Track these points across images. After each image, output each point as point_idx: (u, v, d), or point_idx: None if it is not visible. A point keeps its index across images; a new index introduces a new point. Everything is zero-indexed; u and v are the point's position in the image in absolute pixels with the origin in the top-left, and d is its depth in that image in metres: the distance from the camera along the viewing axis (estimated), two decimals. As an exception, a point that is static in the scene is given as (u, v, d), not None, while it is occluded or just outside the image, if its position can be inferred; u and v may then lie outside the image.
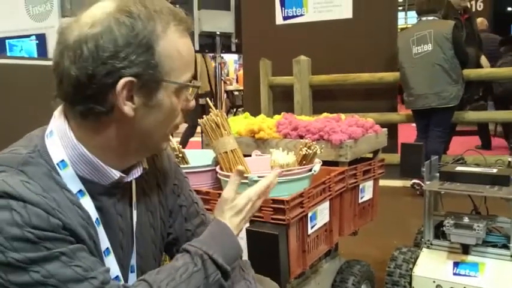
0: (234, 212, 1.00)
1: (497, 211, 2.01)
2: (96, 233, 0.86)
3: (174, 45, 0.84)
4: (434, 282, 1.90)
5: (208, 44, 5.02)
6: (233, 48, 5.18)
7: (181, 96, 0.89)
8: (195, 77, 1.00)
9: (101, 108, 0.82)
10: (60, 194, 0.81)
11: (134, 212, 0.96)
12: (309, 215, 1.56)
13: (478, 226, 1.83)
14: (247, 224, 1.49)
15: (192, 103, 0.93)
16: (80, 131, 0.86)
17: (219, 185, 1.69)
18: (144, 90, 0.83)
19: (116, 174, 0.88)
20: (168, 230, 1.07)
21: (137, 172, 0.94)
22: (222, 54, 5.21)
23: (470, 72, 4.34)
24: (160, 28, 0.82)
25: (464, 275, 1.86)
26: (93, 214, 0.86)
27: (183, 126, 6.03)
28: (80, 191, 0.85)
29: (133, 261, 0.95)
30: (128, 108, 0.82)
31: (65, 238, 0.78)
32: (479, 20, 6.16)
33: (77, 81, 0.80)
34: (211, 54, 5.90)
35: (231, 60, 13.74)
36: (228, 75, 13.08)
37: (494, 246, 1.92)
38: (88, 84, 0.80)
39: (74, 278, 0.77)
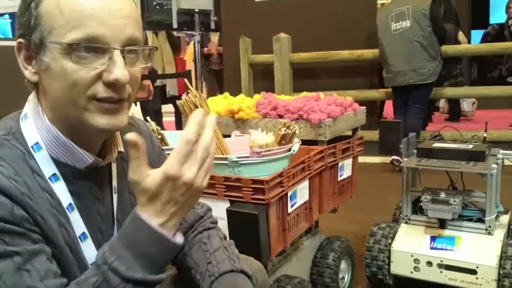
0: (146, 196, 0.76)
1: (473, 186, 2.06)
2: (68, 220, 0.85)
3: (57, 3, 0.78)
4: (412, 256, 1.95)
5: (187, 21, 4.94)
6: (212, 26, 5.10)
7: (77, 61, 0.78)
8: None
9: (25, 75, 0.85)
10: (32, 179, 0.81)
11: (115, 196, 0.95)
12: (289, 194, 1.57)
13: (454, 201, 1.87)
14: (228, 204, 1.50)
15: (112, 74, 0.79)
16: (42, 106, 0.87)
17: (199, 166, 1.68)
18: (33, 52, 0.82)
19: (90, 157, 0.87)
20: None
21: (112, 156, 0.92)
22: (200, 32, 5.13)
23: (448, 49, 4.38)
24: None
25: (441, 249, 1.91)
26: (66, 199, 0.85)
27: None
28: (54, 174, 0.84)
29: None
30: (28, 72, 0.84)
31: (25, 233, 0.76)
32: None
33: None
34: (189, 32, 5.80)
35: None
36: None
37: (470, 220, 1.97)
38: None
39: (17, 283, 0.74)
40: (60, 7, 0.78)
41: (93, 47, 0.78)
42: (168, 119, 5.70)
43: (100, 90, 0.80)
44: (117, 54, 0.80)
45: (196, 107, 1.62)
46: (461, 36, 4.98)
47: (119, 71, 0.80)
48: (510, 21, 6.08)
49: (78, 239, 0.86)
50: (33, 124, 0.85)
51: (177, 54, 6.11)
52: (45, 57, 0.80)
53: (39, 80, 0.84)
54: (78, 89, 0.79)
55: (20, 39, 0.82)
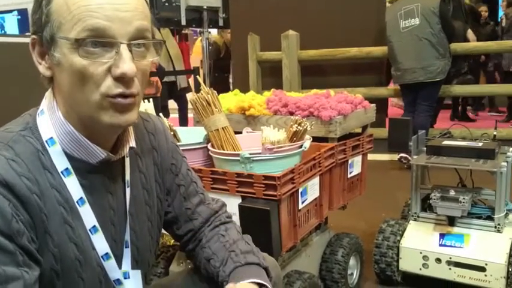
0: None
1: (482, 183, 2.06)
2: (77, 215, 0.87)
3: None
4: (421, 253, 1.96)
5: (195, 18, 4.95)
6: (221, 23, 5.11)
7: (85, 56, 0.79)
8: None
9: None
10: (42, 176, 0.83)
11: (127, 190, 0.97)
12: (300, 190, 1.59)
13: (464, 198, 1.88)
14: (240, 200, 1.52)
15: (119, 68, 0.80)
16: (58, 102, 0.89)
17: (210, 162, 1.70)
18: (45, 48, 0.84)
19: (103, 153, 0.88)
20: (166, 209, 1.09)
21: (123, 151, 0.94)
22: (209, 29, 5.14)
23: (457, 46, 4.37)
24: None
25: (450, 246, 1.92)
26: (78, 193, 0.87)
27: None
28: (67, 169, 0.86)
29: (127, 236, 0.96)
30: (42, 67, 0.86)
31: (14, 253, 0.77)
32: None
33: None
34: (197, 30, 5.82)
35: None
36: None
37: (479, 217, 1.98)
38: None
39: None
40: (67, 3, 0.79)
41: (100, 41, 0.79)
42: (172, 115, 5.74)
43: (111, 86, 0.81)
44: (124, 48, 0.80)
45: (208, 103, 1.64)
46: (470, 34, 4.96)
47: (126, 65, 0.80)
48: (502, 16, 6.10)
49: (89, 232, 0.88)
50: (49, 119, 0.87)
51: (181, 40, 6.13)
52: (56, 53, 0.81)
53: (53, 75, 0.86)
54: (90, 85, 0.80)
55: (33, 36, 0.85)
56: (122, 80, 0.81)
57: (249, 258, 1.02)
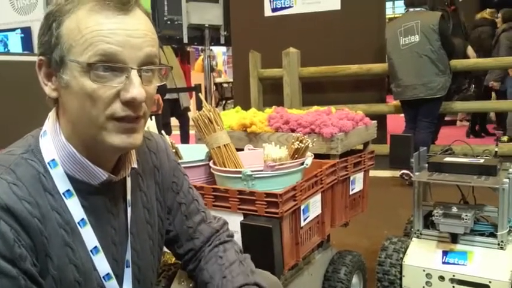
0: None
1: (484, 200, 2.05)
2: (78, 236, 0.87)
3: (77, 23, 0.80)
4: (424, 271, 1.94)
5: (197, 36, 5.00)
6: (222, 40, 5.16)
7: (96, 79, 0.80)
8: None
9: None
10: (43, 199, 0.83)
11: (129, 209, 0.97)
12: (302, 207, 1.58)
13: (466, 215, 1.87)
14: (241, 218, 1.52)
15: (129, 93, 0.81)
16: (61, 123, 0.89)
17: (212, 180, 1.70)
18: (53, 69, 0.84)
19: (104, 174, 0.88)
20: (167, 227, 1.09)
21: (125, 172, 0.94)
22: (210, 47, 5.19)
23: (457, 63, 4.39)
24: (69, 10, 0.82)
25: (453, 264, 1.90)
26: (79, 215, 0.87)
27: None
28: (68, 191, 0.86)
29: (128, 256, 0.96)
30: (48, 89, 0.86)
31: (16, 278, 0.77)
32: None
33: None
34: (199, 47, 5.86)
35: (219, 52, 13.69)
36: (216, 66, 13.03)
37: (482, 234, 1.96)
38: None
39: None
40: (80, 27, 0.80)
41: (111, 66, 0.80)
42: (174, 132, 5.75)
43: (118, 109, 0.82)
44: (134, 74, 0.82)
45: (210, 121, 1.65)
46: (470, 50, 5.00)
47: (136, 89, 0.81)
48: (498, 30, 6.17)
49: (90, 253, 0.88)
50: (51, 141, 0.88)
51: (184, 62, 6.17)
52: (65, 75, 0.82)
53: (59, 97, 0.86)
54: (98, 107, 0.81)
55: (41, 57, 0.85)
56: (131, 104, 0.82)
57: (237, 281, 1.02)
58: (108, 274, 0.91)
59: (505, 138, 6.08)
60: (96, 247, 0.89)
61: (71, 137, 0.87)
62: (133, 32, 0.82)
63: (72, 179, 0.87)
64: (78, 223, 0.87)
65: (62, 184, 0.86)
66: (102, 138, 0.83)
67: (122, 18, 0.81)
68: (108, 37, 0.79)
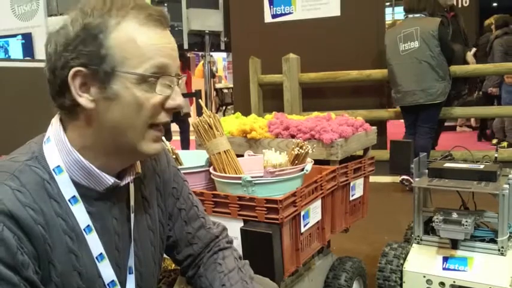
0: None
1: (485, 206, 2.05)
2: (84, 243, 0.87)
3: (128, 35, 0.83)
4: (424, 277, 1.94)
5: (198, 42, 5.02)
6: (222, 46, 5.18)
7: (147, 89, 0.85)
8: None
9: (68, 102, 0.85)
10: (48, 205, 0.83)
11: (132, 215, 0.97)
12: (302, 213, 1.58)
13: (467, 221, 1.87)
14: (242, 224, 1.52)
15: (175, 101, 0.88)
16: (70, 131, 0.89)
17: (212, 186, 1.70)
18: (97, 81, 0.83)
19: (110, 179, 0.89)
20: (167, 233, 1.09)
21: (130, 177, 0.95)
22: (211, 53, 5.21)
23: (457, 69, 4.40)
24: (114, 21, 0.83)
25: (454, 270, 1.90)
26: (85, 221, 0.87)
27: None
28: (74, 197, 0.86)
29: (131, 262, 0.96)
30: (84, 100, 0.84)
31: (18, 286, 0.77)
32: None
33: (48, 78, 0.87)
34: (200, 53, 5.88)
35: (219, 58, 13.73)
36: (216, 72, 13.06)
37: (482, 240, 1.96)
38: (53, 80, 0.86)
39: None
40: (135, 40, 0.83)
41: (166, 76, 0.87)
42: (174, 137, 5.75)
43: (161, 116, 0.88)
44: (176, 84, 0.89)
45: (210, 127, 1.65)
46: (469, 56, 5.00)
47: (179, 97, 0.89)
48: (491, 37, 6.22)
49: (95, 260, 0.88)
50: (55, 147, 0.87)
51: (185, 68, 6.18)
52: (115, 85, 0.83)
53: (94, 107, 0.84)
54: (144, 115, 0.86)
55: (79, 68, 0.83)
56: (171, 111, 0.89)
57: None
58: (112, 281, 0.91)
59: (505, 144, 6.11)
60: (101, 254, 0.89)
61: (85, 145, 0.87)
62: (174, 45, 0.90)
63: (77, 185, 0.87)
64: (84, 229, 0.87)
65: (68, 190, 0.86)
66: (140, 146, 0.88)
67: (166, 33, 0.88)
68: (162, 51, 0.86)
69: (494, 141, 6.32)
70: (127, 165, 0.94)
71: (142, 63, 0.84)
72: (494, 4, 14.23)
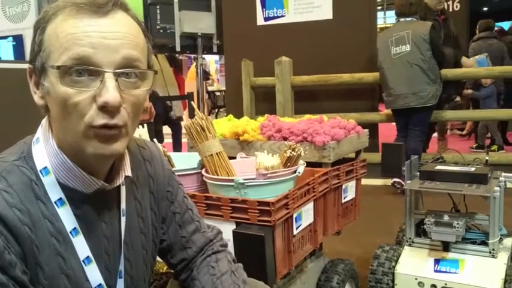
0: None
1: (476, 208, 2.07)
2: (70, 246, 0.86)
3: (55, 28, 0.79)
4: (416, 279, 1.94)
5: (190, 45, 5.02)
6: (215, 49, 5.18)
7: (71, 84, 0.77)
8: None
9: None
10: (35, 207, 0.82)
11: (123, 219, 0.96)
12: (294, 216, 1.58)
13: (458, 224, 1.88)
14: (234, 226, 1.51)
15: (102, 97, 0.78)
16: (54, 132, 0.88)
17: (204, 188, 1.70)
18: (38, 77, 0.83)
19: (97, 182, 0.87)
20: (161, 237, 1.08)
21: (119, 180, 0.92)
22: (203, 55, 5.21)
23: (448, 72, 4.43)
24: (52, 15, 0.81)
25: (445, 272, 1.91)
26: (71, 224, 0.86)
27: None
28: (60, 199, 0.85)
29: (121, 266, 0.95)
30: (36, 97, 0.85)
31: (6, 285, 0.76)
32: None
33: None
34: (192, 56, 5.88)
35: (212, 60, 13.73)
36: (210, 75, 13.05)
37: (474, 243, 1.97)
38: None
39: None
40: (56, 31, 0.79)
41: (86, 69, 0.77)
42: (166, 140, 5.73)
43: (95, 116, 0.78)
44: (109, 77, 0.78)
45: (202, 129, 1.64)
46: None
47: (109, 94, 0.77)
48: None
49: (82, 263, 0.87)
50: (43, 148, 0.86)
51: (178, 73, 6.17)
52: (45, 82, 0.81)
53: (44, 104, 0.85)
54: (75, 114, 0.78)
55: (29, 65, 0.85)
56: (106, 109, 0.78)
57: None
58: (100, 285, 0.90)
59: (495, 147, 6.15)
60: (88, 257, 0.88)
61: (62, 144, 0.85)
62: (109, 33, 0.78)
63: (64, 187, 0.86)
64: (70, 232, 0.86)
65: (54, 192, 0.85)
66: (83, 146, 0.81)
67: (96, 20, 0.78)
68: (81, 40, 0.77)
69: (495, 147, 6.30)
70: (103, 167, 0.89)
71: (61, 55, 0.77)
72: (485, 8, 14.36)
